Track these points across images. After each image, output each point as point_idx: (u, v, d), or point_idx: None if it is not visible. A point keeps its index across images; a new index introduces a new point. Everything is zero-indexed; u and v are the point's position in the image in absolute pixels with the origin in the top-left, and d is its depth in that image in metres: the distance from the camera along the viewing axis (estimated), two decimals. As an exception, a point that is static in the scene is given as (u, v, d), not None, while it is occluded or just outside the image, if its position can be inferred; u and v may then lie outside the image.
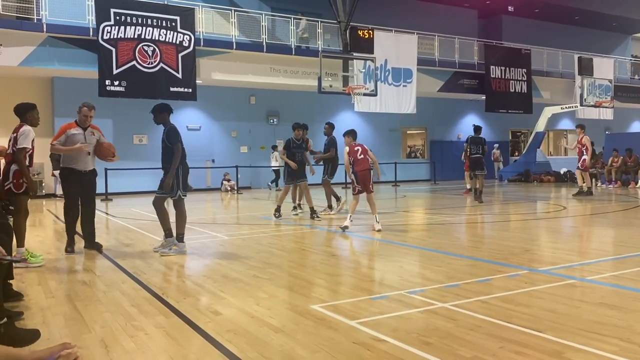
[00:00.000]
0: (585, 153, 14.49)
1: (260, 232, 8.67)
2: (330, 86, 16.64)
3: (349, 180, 9.76)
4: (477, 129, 13.77)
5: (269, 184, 19.92)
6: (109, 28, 15.23)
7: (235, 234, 8.44)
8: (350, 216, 8.54)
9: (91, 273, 5.63)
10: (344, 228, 8.33)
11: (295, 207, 10.93)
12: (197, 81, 16.88)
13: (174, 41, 16.24)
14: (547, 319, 3.70)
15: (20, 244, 5.87)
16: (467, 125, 26.16)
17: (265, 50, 18.19)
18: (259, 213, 11.71)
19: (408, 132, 25.76)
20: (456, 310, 3.94)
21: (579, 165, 14.55)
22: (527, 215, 10.88)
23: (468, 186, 15.89)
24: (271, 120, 20.87)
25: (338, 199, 11.40)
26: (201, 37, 17.08)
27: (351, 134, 9.17)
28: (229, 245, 7.45)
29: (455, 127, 25.90)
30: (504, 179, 22.76)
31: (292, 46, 18.75)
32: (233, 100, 20.02)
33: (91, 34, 15.37)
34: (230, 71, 17.91)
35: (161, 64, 16.07)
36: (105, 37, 15.17)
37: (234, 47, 17.69)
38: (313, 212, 10.16)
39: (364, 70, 18.07)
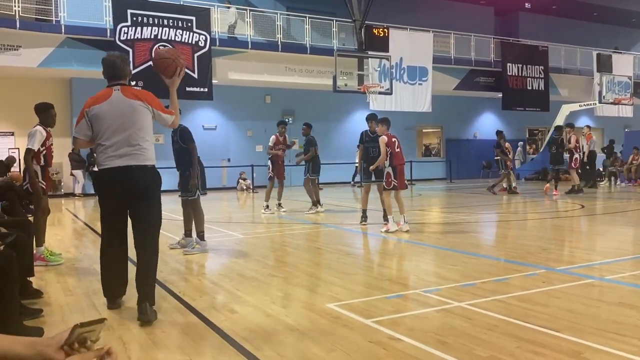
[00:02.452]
0: (575, 152, 14.57)
1: (276, 231, 8.70)
2: (346, 85, 16.63)
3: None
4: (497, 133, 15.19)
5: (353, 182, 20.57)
6: (126, 29, 15.39)
7: (250, 233, 8.48)
8: (392, 217, 8.13)
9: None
10: (394, 231, 7.92)
11: (267, 206, 10.98)
12: (213, 81, 16.98)
13: (189, 41, 16.36)
14: (565, 319, 3.66)
15: (39, 242, 5.95)
16: (483, 123, 25.97)
17: (280, 49, 18.23)
18: (275, 212, 11.74)
19: (424, 130, 25.63)
20: (472, 310, 3.91)
21: (572, 164, 14.45)
22: (545, 213, 10.76)
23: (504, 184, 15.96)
24: (287, 119, 20.91)
25: (316, 203, 11.13)
26: (217, 37, 17.17)
27: (386, 122, 8.32)
28: (244, 244, 7.49)
29: (471, 126, 25.71)
30: (521, 178, 22.53)
31: (307, 45, 18.77)
32: (249, 99, 20.11)
33: (108, 34, 15.54)
34: (245, 71, 17.99)
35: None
36: (122, 38, 15.33)
37: (250, 46, 17.76)
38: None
39: (379, 69, 18.03)
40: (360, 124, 22.93)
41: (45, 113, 6.04)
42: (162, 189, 4.17)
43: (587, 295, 4.32)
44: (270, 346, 3.29)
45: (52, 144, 6.07)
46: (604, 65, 23.00)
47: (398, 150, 8.20)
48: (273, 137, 11.16)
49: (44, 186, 5.99)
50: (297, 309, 4.11)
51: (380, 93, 17.73)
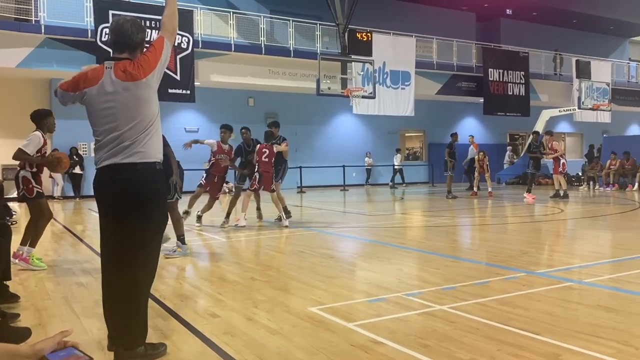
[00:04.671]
0: (561, 158, 14.81)
1: (259, 235, 8.67)
2: (329, 88, 16.66)
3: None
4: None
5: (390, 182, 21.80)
6: (107, 30, 15.21)
7: (233, 237, 8.44)
8: (244, 215, 9.37)
9: (88, 275, 5.61)
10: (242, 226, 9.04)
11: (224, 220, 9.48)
12: (195, 83, 16.89)
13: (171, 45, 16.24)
14: (544, 322, 3.70)
15: (33, 244, 5.84)
16: (465, 128, 26.20)
17: (263, 52, 18.21)
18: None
19: (406, 134, 25.80)
20: (454, 313, 3.94)
21: (559, 169, 14.70)
22: (525, 217, 10.89)
23: (475, 189, 16.58)
24: (269, 119, 20.87)
25: (286, 214, 9.66)
26: (199, 39, 17.09)
27: (264, 134, 9.74)
28: (227, 247, 7.44)
29: (453, 130, 25.82)
30: (502, 182, 22.78)
31: (291, 48, 18.78)
32: (231, 102, 20.04)
33: (89, 35, 15.37)
34: (228, 73, 17.93)
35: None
36: (103, 39, 15.16)
37: (233, 49, 17.71)
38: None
39: (362, 73, 18.10)
40: (344, 128, 23.12)
41: (46, 119, 5.89)
42: None
43: (566, 298, 4.38)
44: (252, 350, 3.27)
45: (46, 152, 5.94)
46: (583, 72, 23.42)
47: (266, 160, 9.17)
48: (214, 142, 9.30)
49: (40, 190, 5.90)
50: (280, 312, 4.09)
51: (363, 97, 17.81)
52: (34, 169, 5.86)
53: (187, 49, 16.51)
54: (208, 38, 17.44)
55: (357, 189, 21.49)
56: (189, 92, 16.66)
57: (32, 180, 5.81)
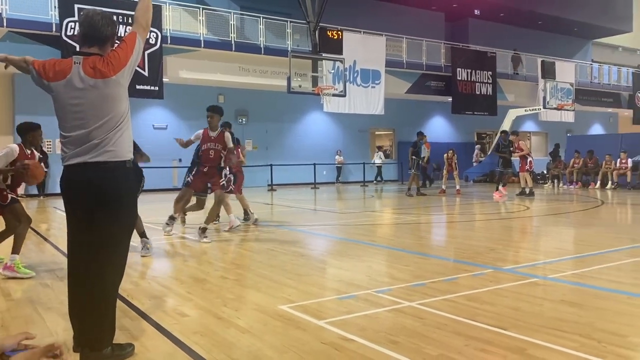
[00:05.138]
0: (528, 156, 15.21)
1: (228, 233, 8.60)
2: (300, 86, 16.65)
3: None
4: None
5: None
6: (72, 24, 14.87)
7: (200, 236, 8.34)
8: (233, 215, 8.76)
9: (53, 275, 5.48)
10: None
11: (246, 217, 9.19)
12: (163, 79, 16.65)
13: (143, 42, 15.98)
14: (510, 317, 3.78)
15: (16, 250, 5.61)
16: (434, 126, 26.56)
17: (233, 49, 18.08)
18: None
19: (376, 132, 25.97)
20: (423, 309, 3.99)
21: (526, 167, 15.07)
22: (492, 215, 11.10)
23: (443, 186, 16.71)
24: (240, 120, 20.75)
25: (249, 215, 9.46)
26: (168, 34, 16.85)
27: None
28: (196, 246, 7.36)
29: (422, 129, 26.10)
30: (470, 180, 23.16)
31: (262, 45, 18.68)
32: (201, 99, 19.74)
33: (54, 29, 14.98)
34: (198, 70, 17.73)
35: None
36: (69, 34, 14.80)
37: (202, 45, 17.51)
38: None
39: (333, 71, 18.13)
40: (315, 126, 23.14)
41: (23, 135, 5.65)
42: None
43: (531, 294, 4.48)
44: (221, 349, 3.24)
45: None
46: (548, 72, 23.97)
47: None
48: (199, 132, 8.07)
49: (14, 196, 5.71)
50: (250, 311, 4.07)
51: (334, 95, 17.85)
52: (9, 183, 5.67)
53: (155, 44, 16.26)
54: (177, 34, 17.21)
55: (327, 186, 21.55)
56: (157, 88, 16.42)
57: (6, 188, 5.63)
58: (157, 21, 16.24)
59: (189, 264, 6.05)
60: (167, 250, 7.00)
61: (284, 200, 14.68)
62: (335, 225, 9.78)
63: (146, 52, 16.07)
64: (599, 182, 18.46)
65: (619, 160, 18.26)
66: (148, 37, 16.07)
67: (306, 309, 4.06)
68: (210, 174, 7.73)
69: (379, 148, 24.16)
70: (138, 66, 16.59)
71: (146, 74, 16.11)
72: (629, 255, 6.10)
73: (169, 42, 16.77)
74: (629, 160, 18.11)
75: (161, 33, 16.35)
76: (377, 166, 23.36)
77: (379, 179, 23.17)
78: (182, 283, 5.09)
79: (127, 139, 3.15)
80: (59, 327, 3.71)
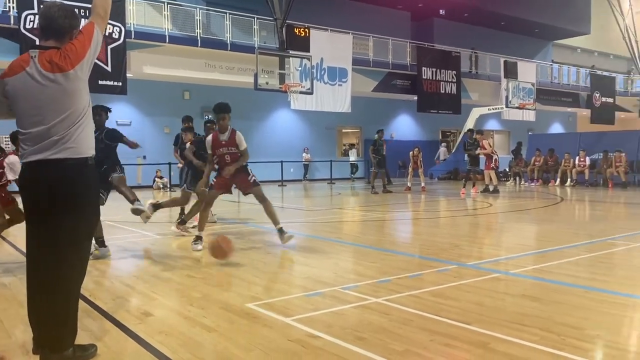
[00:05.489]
0: (493, 154, 15.62)
1: (195, 231, 8.49)
2: (267, 83, 16.59)
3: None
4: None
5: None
6: (32, 17, 14.40)
7: (167, 233, 8.23)
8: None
9: (12, 275, 5.31)
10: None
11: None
12: (127, 75, 16.31)
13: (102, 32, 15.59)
14: (474, 312, 3.86)
15: None
16: (400, 124, 26.86)
17: (199, 44, 17.86)
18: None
19: (343, 130, 26.09)
20: (389, 305, 4.03)
21: (492, 165, 15.43)
22: (456, 212, 11.29)
23: (409, 184, 16.87)
24: (206, 117, 20.51)
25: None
26: (132, 29, 16.52)
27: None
28: (161, 244, 7.26)
29: (389, 127, 26.49)
30: (434, 177, 23.52)
31: (228, 42, 18.51)
32: (166, 95, 19.52)
33: (12, 22, 14.49)
34: (162, 65, 17.45)
35: (90, 57, 15.43)
36: (27, 27, 14.33)
37: (167, 40, 17.24)
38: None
39: (300, 69, 18.12)
40: (282, 123, 23.08)
41: (14, 142, 5.83)
42: None
43: (494, 289, 4.58)
44: (187, 349, 3.21)
45: None
46: (511, 72, 24.51)
47: None
48: (208, 138, 7.05)
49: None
50: (216, 309, 4.04)
51: (301, 92, 17.86)
52: None
53: (118, 39, 15.90)
54: (141, 29, 16.88)
55: (295, 184, 21.53)
56: (120, 84, 16.07)
57: None
58: (120, 15, 15.89)
59: (153, 262, 5.96)
60: (131, 248, 6.87)
61: (251, 198, 14.58)
62: (303, 222, 9.78)
63: (109, 47, 15.72)
64: (558, 180, 19.01)
65: (577, 158, 18.84)
66: (111, 31, 15.55)
67: (273, 306, 4.06)
68: (234, 174, 6.81)
69: (352, 146, 24.39)
70: (100, 61, 16.08)
71: (109, 69, 15.75)
72: (587, 251, 6.30)
73: (132, 36, 16.43)
74: (587, 158, 18.72)
75: (125, 27, 16.00)
76: (352, 163, 23.70)
77: (352, 176, 23.44)
78: (146, 282, 5.01)
79: (88, 136, 3.05)
80: (17, 329, 3.60)
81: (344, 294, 4.40)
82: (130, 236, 7.80)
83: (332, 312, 3.91)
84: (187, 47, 17.65)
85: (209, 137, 6.84)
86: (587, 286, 4.59)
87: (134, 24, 16.64)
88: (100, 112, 6.31)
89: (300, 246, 7.34)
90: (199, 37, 17.86)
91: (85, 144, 3.02)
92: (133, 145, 6.46)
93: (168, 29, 17.35)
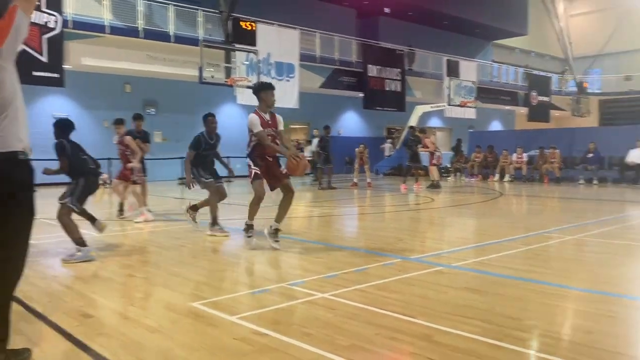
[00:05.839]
0: (436, 151, 16.10)
1: (136, 229, 8.26)
2: (212, 77, 16.30)
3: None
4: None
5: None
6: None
7: (107, 231, 7.94)
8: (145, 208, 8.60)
9: None
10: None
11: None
12: (65, 66, 15.63)
13: (37, 21, 14.85)
14: (418, 305, 3.94)
15: None
16: (347, 121, 27.06)
17: (141, 36, 17.31)
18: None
19: (291, 126, 26.01)
20: (335, 300, 4.05)
21: (434, 161, 15.87)
22: (400, 206, 11.51)
23: (355, 180, 17.06)
24: (148, 110, 19.96)
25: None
26: (69, 18, 15.82)
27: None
28: (100, 242, 7.00)
29: (336, 123, 26.64)
30: (380, 173, 23.88)
31: (171, 33, 18.04)
32: (105, 87, 18.82)
33: None
34: (102, 57, 16.81)
35: (22, 46, 14.65)
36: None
37: (107, 31, 16.62)
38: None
39: (247, 63, 17.92)
40: (228, 118, 22.73)
41: None
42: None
43: (437, 282, 4.70)
44: (129, 351, 3.11)
45: None
46: (453, 71, 25.19)
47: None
48: (253, 116, 6.33)
49: None
50: (159, 309, 3.94)
51: (247, 87, 17.64)
52: None
53: (55, 28, 15.19)
54: (79, 18, 16.19)
55: (241, 180, 21.31)
56: (57, 75, 15.37)
57: None
58: (56, 3, 15.19)
59: (93, 261, 5.73)
60: (70, 247, 6.58)
61: (195, 194, 14.30)
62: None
63: (45, 37, 15.00)
64: (497, 175, 19.72)
65: (515, 154, 19.60)
66: (47, 20, 14.84)
67: (218, 305, 3.99)
68: (274, 163, 6.57)
69: (309, 142, 24.26)
70: (35, 51, 15.24)
71: (45, 59, 15.03)
72: (523, 244, 6.57)
73: (70, 26, 15.74)
74: (524, 154, 19.52)
75: (61, 16, 15.31)
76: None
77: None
78: (85, 282, 4.82)
79: (17, 126, 2.84)
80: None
81: (290, 290, 4.38)
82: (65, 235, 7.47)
83: (279, 309, 3.89)
84: (128, 38, 17.08)
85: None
86: (524, 278, 4.78)
87: (71, 14, 15.94)
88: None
89: (245, 243, 7.27)
90: (140, 29, 17.32)
91: (12, 136, 2.80)
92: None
93: (108, 19, 16.73)
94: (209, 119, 7.98)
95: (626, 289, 4.57)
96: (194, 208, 7.98)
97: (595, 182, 17.63)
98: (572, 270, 5.23)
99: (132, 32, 17.20)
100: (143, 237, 7.54)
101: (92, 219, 6.29)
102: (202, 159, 7.74)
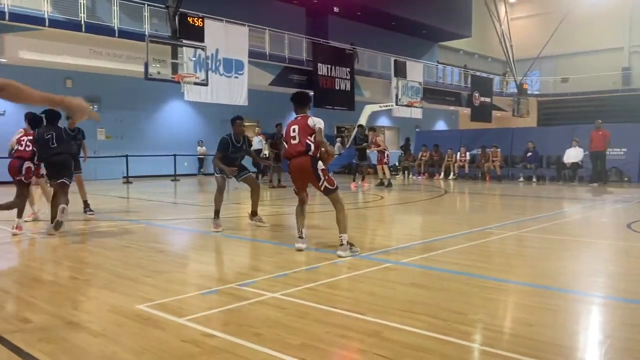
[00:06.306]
0: (385, 150, 16.31)
1: (79, 229, 7.97)
2: (159, 73, 15.95)
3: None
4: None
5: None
6: None
7: (48, 231, 7.63)
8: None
9: None
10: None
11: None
12: (1, 59, 14.88)
13: (-31, 11, 14.08)
14: (367, 302, 3.99)
15: None
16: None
17: (83, 30, 16.70)
18: (77, 207, 10.76)
19: (240, 123, 25.77)
20: (286, 299, 4.05)
21: (384, 160, 16.15)
22: (350, 204, 11.62)
23: None
24: (91, 107, 19.26)
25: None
26: (6, 10, 15.06)
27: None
28: (40, 244, 6.71)
29: (286, 121, 26.55)
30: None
31: (116, 28, 17.49)
32: (45, 83, 17.95)
33: None
34: (41, 50, 16.12)
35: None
36: None
37: (47, 24, 15.93)
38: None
39: (194, 59, 17.61)
40: (175, 115, 22.29)
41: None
42: None
43: (385, 278, 4.78)
44: (71, 356, 3.00)
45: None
46: (400, 71, 25.65)
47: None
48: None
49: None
50: (103, 313, 3.81)
51: (195, 84, 17.37)
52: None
53: (-12, 19, 14.44)
54: (17, 10, 15.45)
55: (189, 178, 20.94)
56: (-8, 69, 14.62)
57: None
58: (-10, -7, 14.45)
59: (32, 264, 5.50)
60: (8, 249, 6.28)
61: (141, 193, 13.96)
62: (197, 218, 9.55)
63: (-23, 27, 14.22)
64: (442, 173, 20.24)
65: (459, 153, 20.18)
66: (-20, 10, 14.04)
67: (166, 307, 3.91)
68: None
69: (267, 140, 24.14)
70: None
71: (-23, 52, 14.26)
72: (467, 240, 6.77)
73: (6, 18, 14.99)
74: (468, 153, 20.13)
75: (-4, 7, 14.58)
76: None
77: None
78: (24, 286, 4.61)
79: None
80: None
81: (240, 291, 4.35)
82: (4, 236, 7.13)
83: (229, 310, 3.85)
84: (69, 32, 16.44)
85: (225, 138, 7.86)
86: (468, 273, 4.93)
87: (7, 4, 15.18)
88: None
89: (194, 243, 7.16)
90: (83, 22, 16.70)
91: None
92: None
93: (48, 11, 16.04)
94: (237, 122, 7.90)
95: (564, 283, 4.80)
96: (254, 214, 8.23)
97: (534, 180, 18.40)
98: (513, 265, 5.44)
99: (73, 25, 16.57)
100: (86, 237, 7.28)
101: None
102: (230, 160, 7.77)
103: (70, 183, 7.55)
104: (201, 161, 22.67)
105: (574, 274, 5.20)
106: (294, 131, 5.88)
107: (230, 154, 7.75)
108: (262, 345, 3.12)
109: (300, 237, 6.02)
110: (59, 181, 7.42)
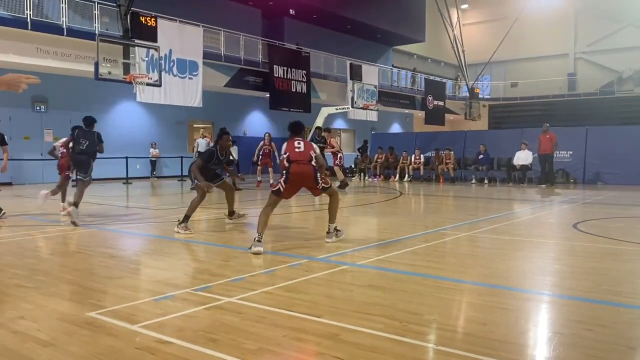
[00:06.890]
0: (339, 152, 16.59)
1: (25, 235, 7.66)
2: (109, 73, 15.49)
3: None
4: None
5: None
6: None
7: (-9, 238, 7.30)
8: None
9: None
10: None
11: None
12: (-62, 57, 14.14)
13: None
14: (324, 304, 3.99)
15: None
16: (252, 121, 26.89)
17: (30, 27, 16.07)
18: (23, 212, 10.35)
19: (195, 125, 25.39)
20: (242, 304, 4.01)
21: (337, 162, 16.35)
22: (306, 207, 11.62)
23: (259, 178, 17.02)
24: (38, 107, 18.60)
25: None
26: (-56, 4, 14.34)
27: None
28: (-17, 251, 6.40)
29: (242, 123, 26.41)
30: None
31: (64, 26, 16.92)
32: (-12, 81, 17.26)
33: None
34: (-16, 48, 15.41)
35: None
36: None
37: (-10, 20, 15.27)
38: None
39: (147, 59, 17.22)
40: (127, 116, 21.74)
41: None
42: None
43: (342, 281, 4.80)
44: (16, 368, 2.87)
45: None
46: (356, 74, 25.83)
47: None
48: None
49: None
50: (52, 321, 3.67)
51: (148, 84, 16.97)
52: None
53: None
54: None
55: (141, 181, 20.47)
56: None
57: None
58: None
59: (-27, 272, 5.23)
60: (-56, 257, 5.96)
61: (91, 197, 13.53)
62: (150, 222, 9.34)
63: None
64: (397, 175, 20.53)
65: (413, 155, 20.53)
66: None
67: (118, 313, 3.80)
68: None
69: (234, 142, 23.91)
70: None
71: None
72: (422, 241, 6.89)
73: (-56, 13, 14.28)
74: (422, 156, 20.50)
75: None
76: (233, 159, 23.34)
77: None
78: (-36, 295, 4.38)
79: None
80: None
81: (195, 296, 4.27)
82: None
83: (184, 315, 3.78)
84: (14, 29, 15.77)
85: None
86: (423, 274, 5.01)
87: (-54, -1, 14.47)
88: None
89: (147, 248, 6.99)
90: (29, 20, 16.07)
91: None
92: None
93: (-10, 7, 15.37)
94: (224, 137, 7.99)
95: (516, 282, 4.95)
96: (231, 214, 8.73)
97: (486, 181, 18.91)
98: (467, 265, 5.57)
99: (19, 23, 15.92)
100: (34, 243, 7.00)
101: None
102: (208, 171, 7.95)
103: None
104: (154, 164, 22.20)
105: (524, 273, 5.37)
106: (299, 143, 6.69)
107: (211, 165, 7.96)
108: (218, 351, 3.07)
109: (259, 241, 6.00)
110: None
